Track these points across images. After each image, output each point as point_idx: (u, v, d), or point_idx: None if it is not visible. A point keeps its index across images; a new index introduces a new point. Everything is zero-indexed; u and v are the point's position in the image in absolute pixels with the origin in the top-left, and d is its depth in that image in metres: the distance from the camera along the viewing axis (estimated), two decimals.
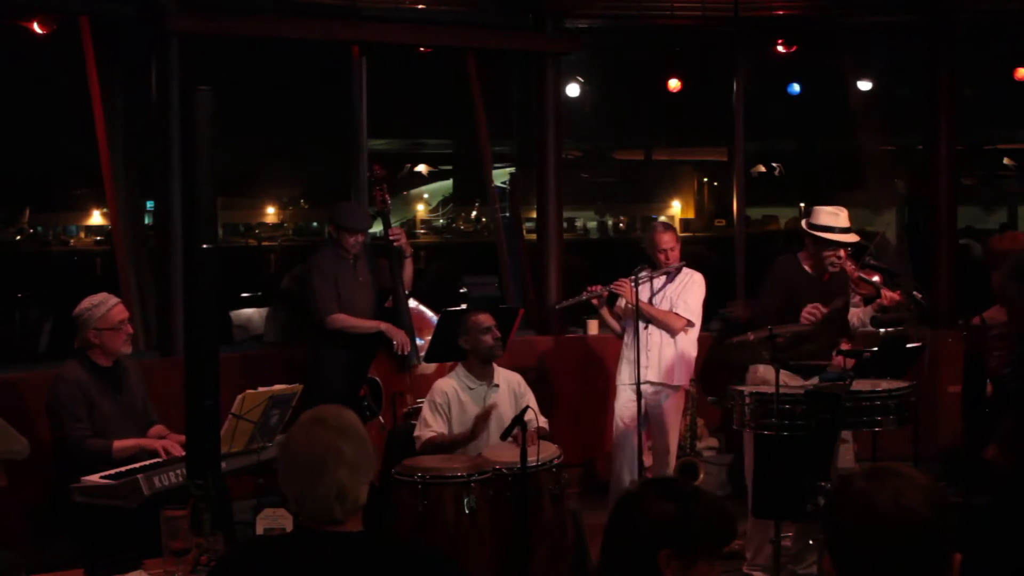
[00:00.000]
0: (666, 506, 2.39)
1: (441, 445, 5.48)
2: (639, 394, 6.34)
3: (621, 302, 6.60)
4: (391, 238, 6.53)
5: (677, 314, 6.50)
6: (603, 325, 7.05)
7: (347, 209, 6.78)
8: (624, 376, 6.59)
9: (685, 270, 6.60)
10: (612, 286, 6.51)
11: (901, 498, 1.89)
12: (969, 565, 2.00)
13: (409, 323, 6.47)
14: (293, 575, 2.54)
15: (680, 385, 6.59)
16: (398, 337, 6.33)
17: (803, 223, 6.03)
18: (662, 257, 6.49)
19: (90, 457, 5.12)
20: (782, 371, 5.49)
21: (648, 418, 6.56)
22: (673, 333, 6.51)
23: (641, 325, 6.47)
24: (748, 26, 8.43)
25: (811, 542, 5.89)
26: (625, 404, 6.57)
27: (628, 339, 6.60)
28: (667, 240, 6.51)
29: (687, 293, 6.56)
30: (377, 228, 6.93)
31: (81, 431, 5.19)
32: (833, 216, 5.87)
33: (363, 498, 2.60)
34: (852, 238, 5.92)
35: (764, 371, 5.83)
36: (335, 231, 6.52)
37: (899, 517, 1.88)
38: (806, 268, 5.97)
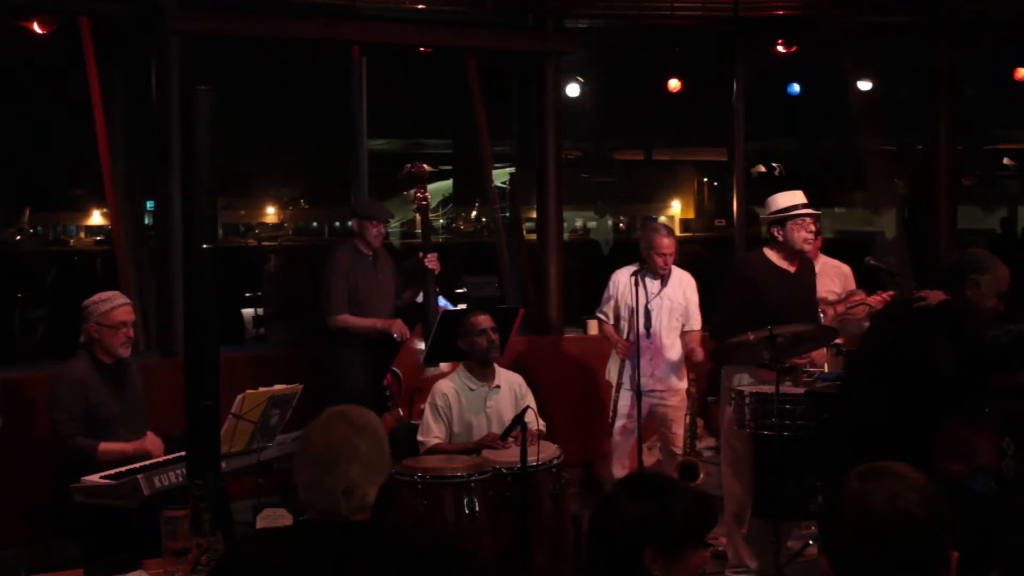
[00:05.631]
0: (643, 505, 2.39)
1: (444, 453, 5.50)
2: (639, 394, 6.31)
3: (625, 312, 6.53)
4: (426, 264, 6.57)
5: (695, 331, 6.51)
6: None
7: (368, 201, 7.09)
8: (624, 376, 6.53)
9: (675, 271, 6.50)
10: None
11: (896, 499, 1.88)
12: (968, 563, 2.00)
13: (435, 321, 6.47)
14: (298, 566, 2.53)
15: (683, 386, 6.57)
16: (395, 327, 6.40)
17: (764, 216, 5.86)
18: (660, 261, 6.34)
19: (75, 455, 5.13)
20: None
21: (654, 419, 6.54)
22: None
23: (644, 329, 6.42)
24: (748, 26, 8.44)
25: (810, 542, 5.90)
26: (628, 405, 6.51)
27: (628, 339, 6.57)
28: (667, 244, 6.36)
29: (690, 304, 6.54)
30: (403, 217, 7.07)
31: (69, 428, 5.19)
32: (792, 196, 5.76)
33: (371, 498, 2.59)
34: (816, 212, 5.83)
35: (739, 379, 5.81)
36: (357, 223, 6.61)
37: (894, 518, 1.87)
38: (773, 261, 5.78)
